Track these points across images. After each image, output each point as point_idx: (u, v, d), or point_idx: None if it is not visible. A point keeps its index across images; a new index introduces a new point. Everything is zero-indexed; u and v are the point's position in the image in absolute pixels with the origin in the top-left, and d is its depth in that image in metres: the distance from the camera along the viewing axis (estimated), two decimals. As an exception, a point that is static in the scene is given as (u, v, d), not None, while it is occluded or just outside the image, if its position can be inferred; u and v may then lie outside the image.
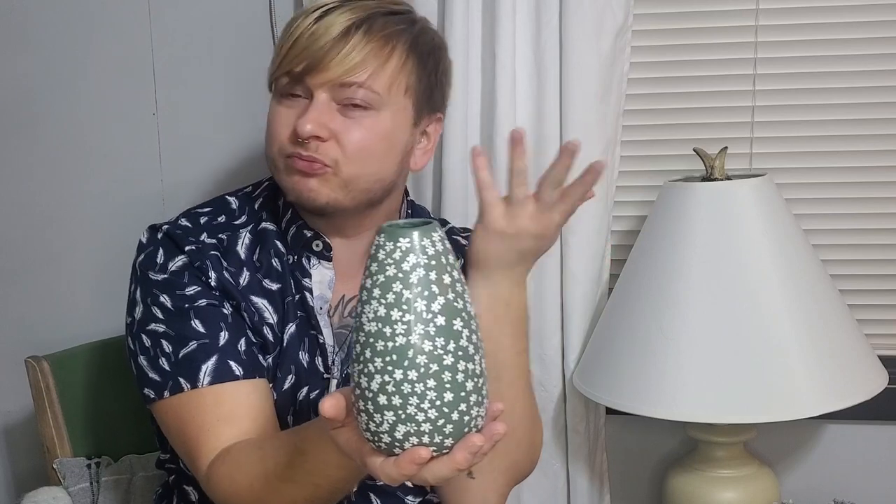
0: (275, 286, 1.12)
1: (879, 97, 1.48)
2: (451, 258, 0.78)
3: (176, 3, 1.57)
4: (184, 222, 1.13)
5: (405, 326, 0.75)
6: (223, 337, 1.06)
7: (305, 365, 1.11)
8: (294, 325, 1.11)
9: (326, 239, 1.13)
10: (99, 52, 1.60)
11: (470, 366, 0.77)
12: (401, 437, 0.76)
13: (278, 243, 1.14)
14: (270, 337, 1.10)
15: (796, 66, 1.49)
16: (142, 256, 1.11)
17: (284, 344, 1.10)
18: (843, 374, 1.30)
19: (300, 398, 1.10)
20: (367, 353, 0.76)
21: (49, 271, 1.66)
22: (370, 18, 1.06)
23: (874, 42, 1.47)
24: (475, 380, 0.78)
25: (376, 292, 0.76)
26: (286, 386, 1.10)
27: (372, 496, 1.14)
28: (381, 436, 0.77)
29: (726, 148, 1.39)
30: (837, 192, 1.51)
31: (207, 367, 1.05)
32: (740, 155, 1.50)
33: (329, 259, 1.14)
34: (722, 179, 1.37)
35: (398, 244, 0.76)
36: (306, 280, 1.13)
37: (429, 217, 1.24)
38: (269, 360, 1.10)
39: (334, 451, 0.85)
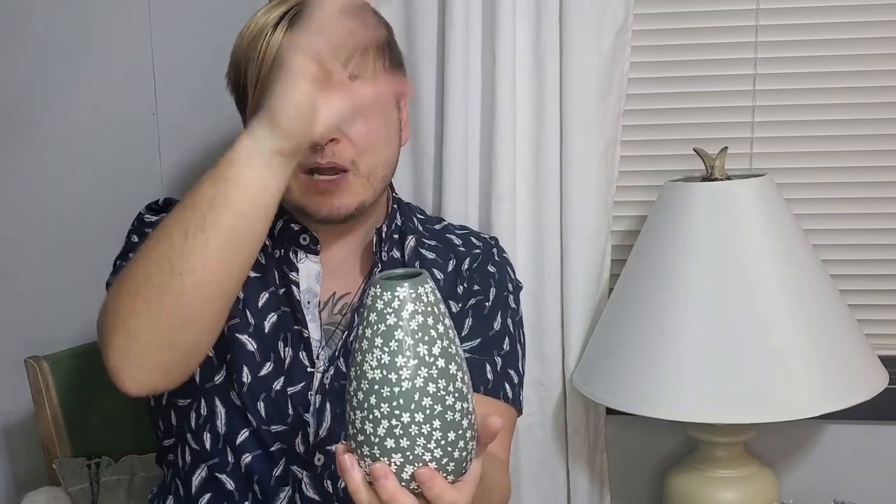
0: (253, 274, 1.12)
1: (879, 97, 1.48)
2: (443, 307, 0.82)
3: (176, 3, 1.57)
4: None
5: (409, 371, 0.79)
6: None
7: (287, 359, 1.11)
8: (276, 316, 1.12)
9: (313, 233, 1.14)
10: (99, 52, 1.60)
11: (465, 405, 0.82)
12: (407, 478, 0.80)
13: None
14: (239, 304, 1.11)
15: (796, 66, 1.49)
16: (143, 211, 1.17)
17: (266, 331, 1.11)
18: (843, 374, 1.30)
19: (276, 388, 1.11)
20: (373, 400, 0.79)
21: (48, 271, 1.66)
22: None
23: (874, 42, 1.47)
24: (469, 417, 0.83)
25: (378, 341, 0.79)
26: (263, 372, 1.10)
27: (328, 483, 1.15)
28: None
29: (726, 148, 1.39)
30: (837, 192, 1.51)
31: None
32: (740, 155, 1.50)
33: (316, 252, 1.15)
34: (722, 179, 1.37)
35: (396, 293, 0.80)
36: (293, 274, 1.14)
37: (412, 212, 1.26)
38: (246, 338, 1.11)
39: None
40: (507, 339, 1.19)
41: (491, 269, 1.22)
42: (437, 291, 0.82)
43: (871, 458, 1.55)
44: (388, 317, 0.79)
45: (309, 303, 1.13)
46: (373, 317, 0.80)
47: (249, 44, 1.08)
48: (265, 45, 1.06)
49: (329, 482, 1.12)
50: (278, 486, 1.11)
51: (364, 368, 0.80)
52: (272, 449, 1.11)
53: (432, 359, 0.80)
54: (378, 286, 0.80)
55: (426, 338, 0.80)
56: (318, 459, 1.12)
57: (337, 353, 1.13)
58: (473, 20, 1.41)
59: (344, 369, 1.12)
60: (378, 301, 0.80)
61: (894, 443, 1.55)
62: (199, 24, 1.58)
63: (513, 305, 1.23)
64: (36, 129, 1.63)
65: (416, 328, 0.79)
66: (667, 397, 1.28)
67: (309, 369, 1.12)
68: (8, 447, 1.72)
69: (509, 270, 1.25)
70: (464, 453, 0.82)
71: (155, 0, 1.57)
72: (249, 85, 1.08)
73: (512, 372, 1.18)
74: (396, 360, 0.79)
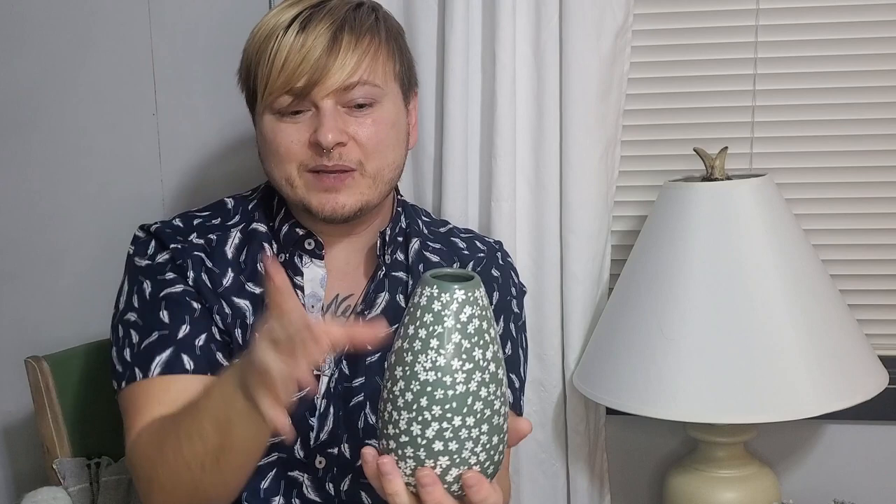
0: (258, 290, 1.12)
1: (879, 97, 1.48)
2: (492, 312, 0.82)
3: (176, 3, 1.57)
4: (177, 222, 1.16)
5: (465, 375, 0.79)
6: (183, 330, 1.08)
7: None
8: None
9: (319, 238, 1.14)
10: (99, 52, 1.60)
11: (506, 409, 0.84)
12: (450, 480, 0.80)
13: (267, 245, 1.15)
14: (240, 339, 1.10)
15: (796, 66, 1.49)
16: (134, 248, 1.15)
17: None
18: (843, 374, 1.30)
19: None
20: (424, 401, 0.79)
21: (49, 271, 1.66)
22: (346, 18, 1.08)
23: (874, 42, 1.47)
24: (507, 421, 0.84)
25: (434, 343, 0.78)
26: None
27: (363, 495, 1.15)
28: None
29: (726, 148, 1.39)
30: (837, 192, 1.51)
31: (161, 358, 1.06)
32: (740, 155, 1.50)
33: (321, 258, 1.15)
34: (722, 179, 1.37)
35: (455, 296, 0.79)
36: (298, 278, 1.13)
37: (417, 214, 1.25)
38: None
39: (222, 397, 0.90)
40: (509, 343, 1.19)
41: (495, 273, 1.22)
42: (487, 296, 0.82)
43: (871, 458, 1.55)
44: (446, 319, 0.78)
45: (313, 307, 1.13)
46: (428, 318, 0.79)
47: (261, 44, 1.09)
48: (276, 46, 1.07)
49: (331, 484, 1.12)
50: (268, 497, 1.11)
51: (416, 369, 0.79)
52: (261, 463, 1.09)
53: (486, 363, 0.79)
54: (435, 287, 0.79)
55: (481, 342, 0.79)
56: (320, 462, 1.12)
57: (341, 357, 1.12)
58: (473, 20, 1.41)
59: (347, 372, 1.12)
60: (435, 302, 0.79)
61: (894, 443, 1.55)
62: (198, 24, 1.57)
63: (516, 310, 1.23)
64: (36, 129, 1.63)
65: (473, 332, 0.79)
66: (667, 397, 1.28)
67: (315, 373, 1.11)
68: (8, 447, 1.72)
69: (513, 275, 1.25)
70: (500, 456, 0.83)
71: (155, 0, 1.57)
72: (259, 84, 1.09)
73: (513, 376, 1.19)
74: (453, 363, 0.78)
